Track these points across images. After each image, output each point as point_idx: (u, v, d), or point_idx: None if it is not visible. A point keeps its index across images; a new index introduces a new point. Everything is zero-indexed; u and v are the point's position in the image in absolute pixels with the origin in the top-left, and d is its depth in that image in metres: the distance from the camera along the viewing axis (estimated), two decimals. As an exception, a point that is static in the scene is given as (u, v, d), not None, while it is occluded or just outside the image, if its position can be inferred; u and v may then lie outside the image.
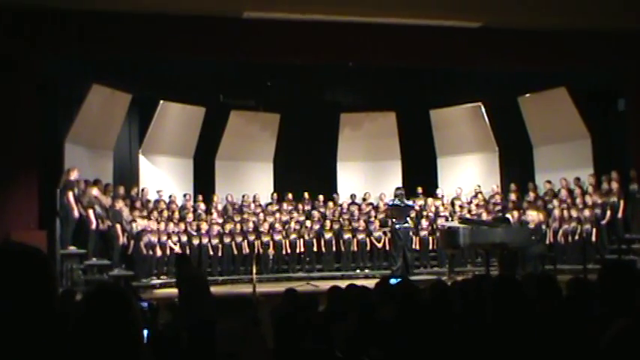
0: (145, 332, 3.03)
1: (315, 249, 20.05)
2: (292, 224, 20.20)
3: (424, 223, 20.19)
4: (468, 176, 22.20)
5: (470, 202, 21.10)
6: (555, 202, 19.30)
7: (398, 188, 19.79)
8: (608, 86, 19.50)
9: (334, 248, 20.17)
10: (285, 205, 21.02)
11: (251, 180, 21.99)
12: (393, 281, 7.47)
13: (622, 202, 18.10)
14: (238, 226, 19.74)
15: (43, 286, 2.28)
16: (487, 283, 5.47)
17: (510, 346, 4.50)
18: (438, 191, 21.70)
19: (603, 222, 18.20)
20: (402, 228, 18.91)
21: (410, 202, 19.55)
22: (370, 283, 8.31)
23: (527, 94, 20.94)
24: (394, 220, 19.12)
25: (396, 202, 19.22)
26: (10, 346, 2.17)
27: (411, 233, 19.42)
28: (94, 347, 2.47)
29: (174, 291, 12.08)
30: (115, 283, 15.41)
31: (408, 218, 19.27)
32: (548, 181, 20.28)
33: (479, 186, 21.55)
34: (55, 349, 2.27)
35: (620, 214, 18.14)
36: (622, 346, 2.65)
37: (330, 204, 21.34)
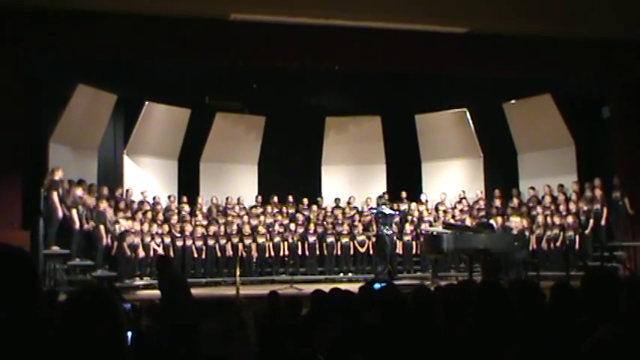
0: (129, 334, 3.03)
1: (299, 252, 20.03)
2: (276, 227, 20.18)
3: (408, 228, 20.20)
4: (452, 181, 22.22)
5: (454, 208, 21.12)
6: (539, 209, 19.35)
7: (381, 196, 19.84)
8: (593, 94, 19.63)
9: (318, 252, 20.16)
10: (269, 208, 20.99)
11: (236, 182, 21.95)
12: (377, 286, 7.46)
13: (605, 210, 18.17)
14: (222, 228, 19.71)
15: (28, 287, 2.28)
16: (471, 289, 5.49)
17: (494, 352, 4.51)
18: (422, 196, 21.68)
19: (587, 229, 18.25)
20: (386, 234, 18.91)
21: (393, 211, 19.52)
22: (354, 287, 8.32)
23: (513, 101, 21.01)
24: (381, 226, 19.12)
25: (381, 209, 19.24)
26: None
27: (394, 238, 19.42)
28: (79, 349, 2.47)
29: (157, 293, 12.05)
30: (99, 284, 15.37)
31: (393, 224, 19.29)
32: (532, 188, 20.32)
33: (463, 191, 21.58)
34: (40, 350, 2.26)
35: (603, 222, 18.20)
36: (604, 352, 2.67)
37: (315, 207, 21.32)
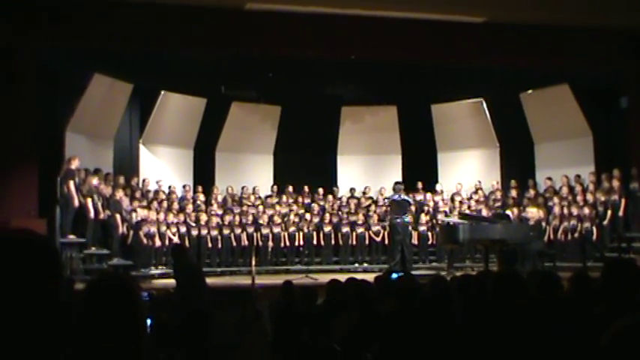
0: (148, 321, 3.03)
1: (314, 242, 20.04)
2: (292, 217, 20.18)
3: (423, 218, 20.16)
4: (468, 172, 22.17)
5: (470, 198, 21.06)
6: (555, 200, 19.25)
7: (397, 183, 19.77)
8: (611, 84, 19.52)
9: (333, 241, 20.17)
10: (284, 198, 20.99)
11: (251, 172, 21.96)
12: (394, 276, 7.45)
13: (623, 201, 18.08)
14: (237, 217, 19.73)
15: (50, 275, 2.27)
16: (489, 278, 5.46)
17: (511, 342, 4.49)
18: (438, 186, 21.63)
19: (605, 220, 18.16)
20: (400, 222, 18.87)
21: (408, 197, 19.47)
22: (369, 277, 8.30)
23: (530, 91, 20.90)
24: (394, 214, 19.08)
25: (395, 196, 19.19)
26: (15, 334, 2.16)
27: (410, 228, 19.37)
28: (99, 335, 2.46)
29: (173, 281, 12.08)
30: (117, 272, 15.42)
31: (407, 213, 19.22)
32: (549, 178, 20.24)
33: (479, 182, 21.50)
34: (59, 339, 2.26)
35: (620, 213, 18.11)
36: (624, 343, 2.64)
37: (330, 197, 21.30)
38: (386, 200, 20.34)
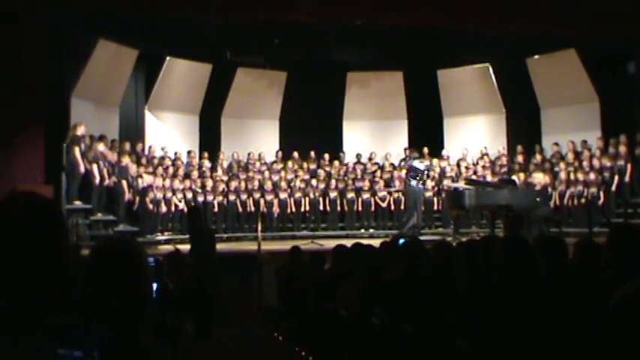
0: (155, 286, 3.03)
1: (320, 208, 20.06)
2: (297, 182, 20.19)
3: (429, 183, 20.16)
4: (474, 137, 22.12)
5: (476, 164, 21.05)
6: (562, 165, 19.22)
7: (412, 149, 19.84)
8: (618, 49, 19.38)
9: (339, 207, 20.20)
10: (290, 164, 20.98)
11: (257, 138, 21.94)
12: (401, 241, 7.45)
13: (629, 166, 18.04)
14: (243, 183, 19.74)
15: (56, 237, 2.27)
16: (495, 243, 5.46)
17: (518, 307, 4.49)
18: (444, 152, 21.63)
19: (612, 186, 18.11)
20: (416, 188, 18.89)
21: (422, 165, 19.40)
22: (375, 243, 8.31)
23: (536, 56, 20.79)
24: (410, 179, 19.08)
25: (413, 163, 19.19)
26: (20, 294, 2.17)
27: (423, 193, 19.39)
28: (104, 300, 2.47)
29: (180, 247, 12.13)
30: (123, 237, 15.47)
31: (421, 179, 19.22)
32: (556, 144, 20.18)
33: (485, 147, 21.46)
34: (66, 301, 2.26)
35: (627, 178, 18.08)
36: (632, 307, 2.64)
37: (336, 163, 21.30)
38: (403, 164, 20.34)
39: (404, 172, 20.24)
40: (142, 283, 2.57)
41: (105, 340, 2.18)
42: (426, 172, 19.51)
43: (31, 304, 2.16)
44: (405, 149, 21.44)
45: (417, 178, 18.96)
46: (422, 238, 15.57)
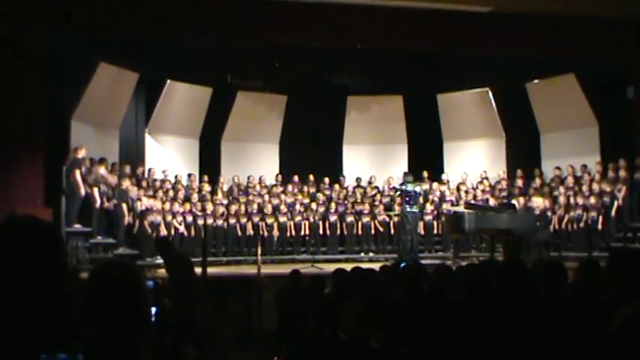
0: (153, 309, 3.03)
1: (320, 231, 20.04)
2: (297, 206, 20.18)
3: (429, 207, 20.17)
4: (474, 161, 22.14)
5: (475, 188, 21.06)
6: (561, 189, 19.24)
7: (407, 173, 19.78)
8: (617, 74, 19.42)
9: (339, 231, 20.18)
10: (290, 187, 20.98)
11: (257, 161, 21.97)
12: (402, 264, 7.46)
13: (623, 190, 18.02)
14: (243, 207, 19.73)
15: (55, 261, 2.27)
16: (494, 269, 5.46)
17: (516, 331, 4.49)
18: (444, 176, 21.64)
19: (612, 210, 18.10)
20: (411, 212, 18.84)
21: (417, 189, 19.35)
22: (375, 266, 8.30)
23: (536, 81, 20.86)
24: (405, 204, 19.03)
25: (406, 187, 19.13)
26: (19, 320, 2.16)
27: (418, 218, 19.33)
28: (103, 324, 2.47)
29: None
30: (122, 260, 15.45)
31: (416, 203, 19.16)
32: (557, 168, 20.18)
33: (485, 171, 21.46)
34: (64, 325, 2.26)
35: (621, 202, 18.06)
36: (631, 330, 2.65)
37: (336, 186, 21.30)
38: (396, 189, 20.35)
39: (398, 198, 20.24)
40: (141, 307, 2.56)
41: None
42: (420, 195, 19.47)
43: (30, 329, 2.16)
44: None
45: (412, 202, 18.91)
46: (422, 262, 15.60)
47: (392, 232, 20.02)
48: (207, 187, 20.24)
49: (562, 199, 18.86)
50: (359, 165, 22.74)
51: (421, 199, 19.69)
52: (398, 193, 19.76)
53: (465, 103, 22.39)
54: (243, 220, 19.44)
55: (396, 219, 19.81)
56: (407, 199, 18.92)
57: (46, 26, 14.94)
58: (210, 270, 13.62)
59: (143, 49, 17.90)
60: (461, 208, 18.00)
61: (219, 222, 19.17)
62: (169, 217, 18.21)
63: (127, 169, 18.18)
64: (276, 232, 19.59)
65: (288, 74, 20.42)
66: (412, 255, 18.02)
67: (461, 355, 4.72)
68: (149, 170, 19.62)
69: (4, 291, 2.18)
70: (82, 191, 16.00)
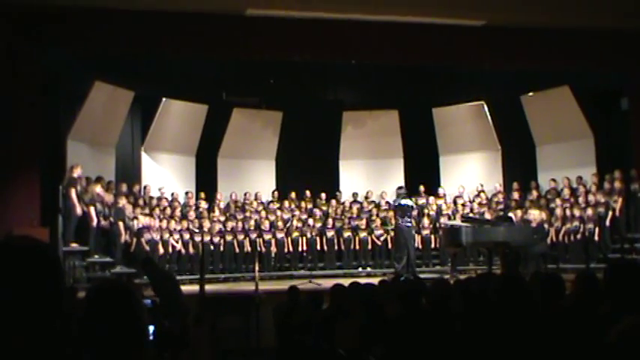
0: (151, 328, 3.03)
1: (317, 247, 20.02)
2: (294, 222, 20.17)
3: (426, 221, 20.18)
4: (470, 175, 22.16)
5: (472, 201, 21.08)
6: (558, 201, 19.26)
7: (399, 187, 19.77)
8: (612, 85, 19.50)
9: (336, 246, 20.16)
10: (287, 203, 20.98)
11: (253, 178, 21.97)
12: (401, 278, 7.47)
13: (620, 201, 18.05)
14: (240, 224, 19.70)
15: (51, 282, 2.27)
16: (492, 282, 5.46)
17: (515, 344, 4.49)
18: (440, 190, 21.65)
19: (607, 221, 18.12)
20: (405, 227, 18.81)
21: (410, 202, 19.31)
22: (373, 281, 8.31)
23: (530, 93, 20.93)
24: (399, 218, 19.01)
25: (399, 201, 19.12)
26: (17, 342, 2.16)
27: (413, 232, 19.32)
28: (100, 343, 2.46)
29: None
30: (119, 279, 15.41)
31: (410, 217, 19.15)
32: (553, 180, 20.21)
33: (481, 185, 21.50)
34: (61, 346, 2.26)
35: (617, 213, 18.09)
36: (628, 343, 2.65)
37: (333, 202, 21.30)
38: (389, 204, 20.35)
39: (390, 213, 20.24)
40: (138, 326, 2.56)
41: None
42: (414, 209, 19.45)
43: (29, 350, 2.15)
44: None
45: (406, 217, 18.89)
46: (419, 276, 15.58)
47: (389, 246, 19.99)
48: (204, 205, 20.22)
49: (559, 212, 18.88)
50: (355, 180, 22.74)
51: (415, 213, 19.69)
52: (392, 207, 19.79)
53: (460, 117, 22.43)
54: (241, 236, 19.40)
55: (392, 234, 19.77)
56: (400, 213, 18.91)
57: (41, 45, 14.96)
58: (208, 287, 13.64)
59: (138, 67, 17.95)
60: (458, 222, 18.02)
61: (217, 239, 19.13)
62: (166, 235, 18.18)
63: (124, 187, 18.18)
64: (273, 249, 19.56)
65: (283, 90, 20.46)
66: (409, 269, 18.01)
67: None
68: (145, 187, 19.60)
69: (2, 314, 2.17)
70: (79, 210, 15.97)
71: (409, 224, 18.94)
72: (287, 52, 16.59)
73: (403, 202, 18.97)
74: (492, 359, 4.55)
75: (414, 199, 19.99)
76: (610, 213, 18.16)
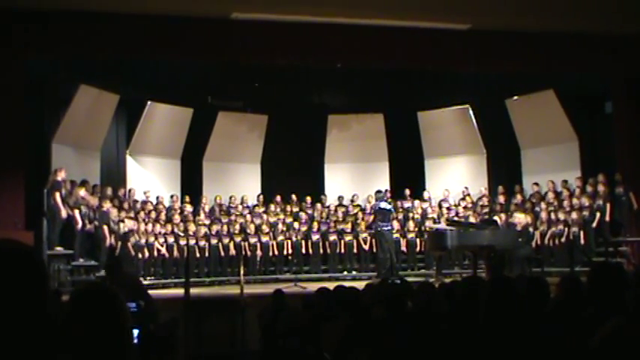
0: (135, 332, 3.02)
1: (302, 251, 20.01)
2: (280, 226, 20.15)
3: (411, 225, 20.18)
4: (455, 178, 22.18)
5: (457, 205, 21.12)
6: (542, 205, 19.30)
7: (378, 191, 19.75)
8: (596, 89, 19.61)
9: (321, 250, 20.14)
10: (272, 207, 20.95)
11: (238, 181, 21.92)
12: (389, 282, 7.47)
13: (608, 205, 18.13)
14: (225, 227, 19.67)
15: (36, 286, 2.26)
16: (480, 285, 5.48)
17: (501, 347, 4.50)
18: (425, 193, 21.68)
19: (593, 224, 18.17)
20: (386, 230, 18.76)
21: (388, 206, 19.23)
22: (358, 285, 8.30)
23: (515, 97, 20.98)
24: (379, 222, 18.97)
25: (379, 204, 19.06)
26: (2, 347, 2.15)
27: (393, 235, 19.25)
28: (84, 347, 2.45)
29: (163, 292, 12.08)
30: (103, 282, 15.35)
31: (390, 221, 19.09)
32: (536, 184, 20.28)
33: (466, 188, 21.53)
34: (45, 350, 2.25)
35: (607, 217, 18.15)
36: (612, 345, 2.66)
37: (318, 205, 21.29)
38: (370, 209, 20.35)
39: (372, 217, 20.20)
40: (121, 329, 2.55)
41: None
42: (391, 212, 19.40)
43: (12, 354, 2.14)
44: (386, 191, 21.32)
45: (386, 220, 18.84)
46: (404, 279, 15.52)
47: (375, 250, 19.97)
48: (189, 208, 20.18)
49: (544, 215, 18.92)
50: (340, 183, 22.74)
51: (394, 216, 19.68)
52: (372, 211, 19.75)
53: (445, 121, 22.46)
54: (226, 240, 19.36)
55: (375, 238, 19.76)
56: (380, 217, 18.88)
57: (26, 49, 14.92)
58: (193, 291, 13.60)
59: (123, 70, 17.93)
60: (443, 225, 18.03)
61: (202, 243, 19.08)
62: (151, 239, 18.13)
63: (109, 190, 18.11)
64: (258, 252, 19.53)
65: (268, 94, 20.46)
66: (393, 271, 17.99)
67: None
68: (129, 191, 19.53)
69: None
70: (63, 214, 15.92)
71: (389, 227, 18.88)
72: (272, 55, 16.59)
73: (382, 205, 18.92)
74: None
75: (392, 202, 19.99)
76: (598, 215, 18.19)
